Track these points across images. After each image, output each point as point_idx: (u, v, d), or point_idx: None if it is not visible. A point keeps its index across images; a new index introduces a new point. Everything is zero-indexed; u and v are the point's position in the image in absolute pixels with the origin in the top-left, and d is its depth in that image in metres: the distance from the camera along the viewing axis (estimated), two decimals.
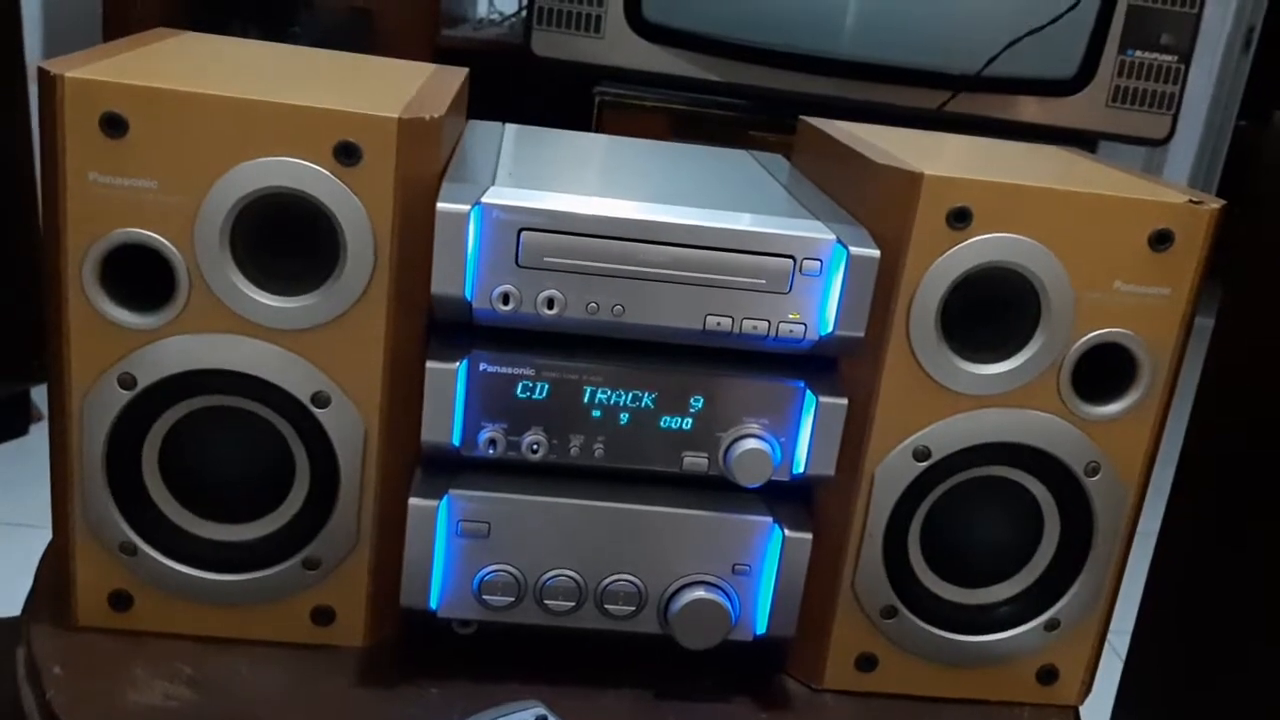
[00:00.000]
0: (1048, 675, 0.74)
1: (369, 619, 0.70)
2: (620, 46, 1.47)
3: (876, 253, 0.63)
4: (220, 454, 0.67)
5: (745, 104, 1.54)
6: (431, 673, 0.69)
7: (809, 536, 0.68)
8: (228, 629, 0.69)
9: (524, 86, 1.59)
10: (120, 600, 0.68)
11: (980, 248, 0.65)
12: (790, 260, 0.63)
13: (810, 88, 1.49)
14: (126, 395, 0.65)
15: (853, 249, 0.63)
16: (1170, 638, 1.06)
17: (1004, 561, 0.73)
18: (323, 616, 0.70)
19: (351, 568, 0.69)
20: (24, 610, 0.70)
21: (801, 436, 0.67)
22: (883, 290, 0.65)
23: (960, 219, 0.65)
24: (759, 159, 0.88)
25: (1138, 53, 1.51)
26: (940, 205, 0.64)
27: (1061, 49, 1.48)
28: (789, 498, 0.70)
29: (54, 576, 0.69)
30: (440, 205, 0.61)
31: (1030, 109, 1.54)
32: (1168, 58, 1.52)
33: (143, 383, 0.64)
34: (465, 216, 0.61)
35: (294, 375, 0.65)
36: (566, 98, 1.53)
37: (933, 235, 0.65)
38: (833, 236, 0.64)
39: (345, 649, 0.70)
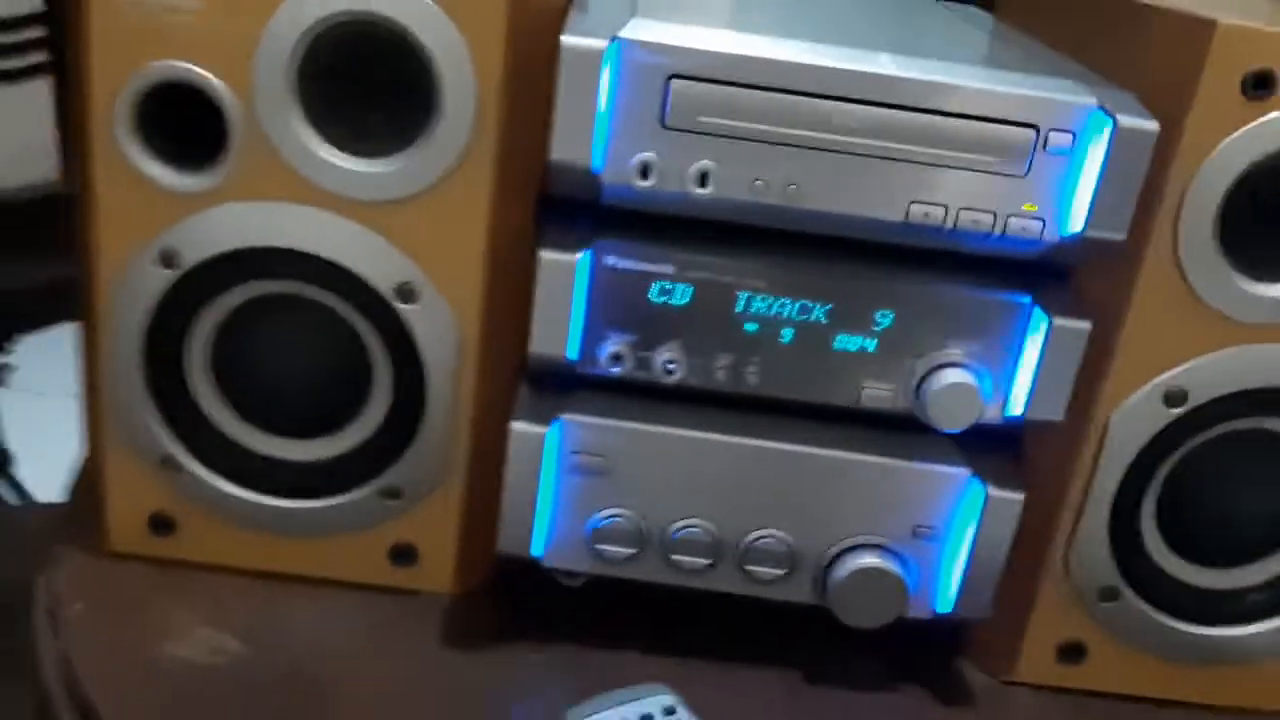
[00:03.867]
0: None
1: (459, 562, 0.60)
2: None
3: (1154, 125, 0.47)
4: (283, 354, 0.57)
5: None
6: (532, 632, 0.59)
7: (1020, 497, 0.53)
8: (289, 564, 0.59)
9: None
10: (161, 524, 0.58)
11: None
12: (1032, 131, 0.48)
13: None
14: (168, 276, 0.53)
15: (1122, 119, 0.47)
16: None
17: (1262, 538, 0.58)
18: (404, 555, 0.59)
19: (440, 501, 0.58)
20: (53, 527, 0.59)
21: (1021, 369, 0.52)
22: (1146, 179, 0.49)
23: (1261, 85, 0.49)
24: (952, 9, 0.71)
25: None
26: (1235, 67, 0.49)
27: None
28: (991, 444, 0.55)
29: (88, 494, 0.58)
30: (565, 40, 0.47)
31: None
32: None
33: (187, 261, 0.53)
34: (599, 56, 0.47)
35: (373, 260, 0.53)
36: None
37: (1221, 107, 0.50)
38: (1093, 101, 0.47)
39: (429, 595, 0.60)
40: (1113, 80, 0.52)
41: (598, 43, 0.47)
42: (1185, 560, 0.58)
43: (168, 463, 0.56)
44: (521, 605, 0.60)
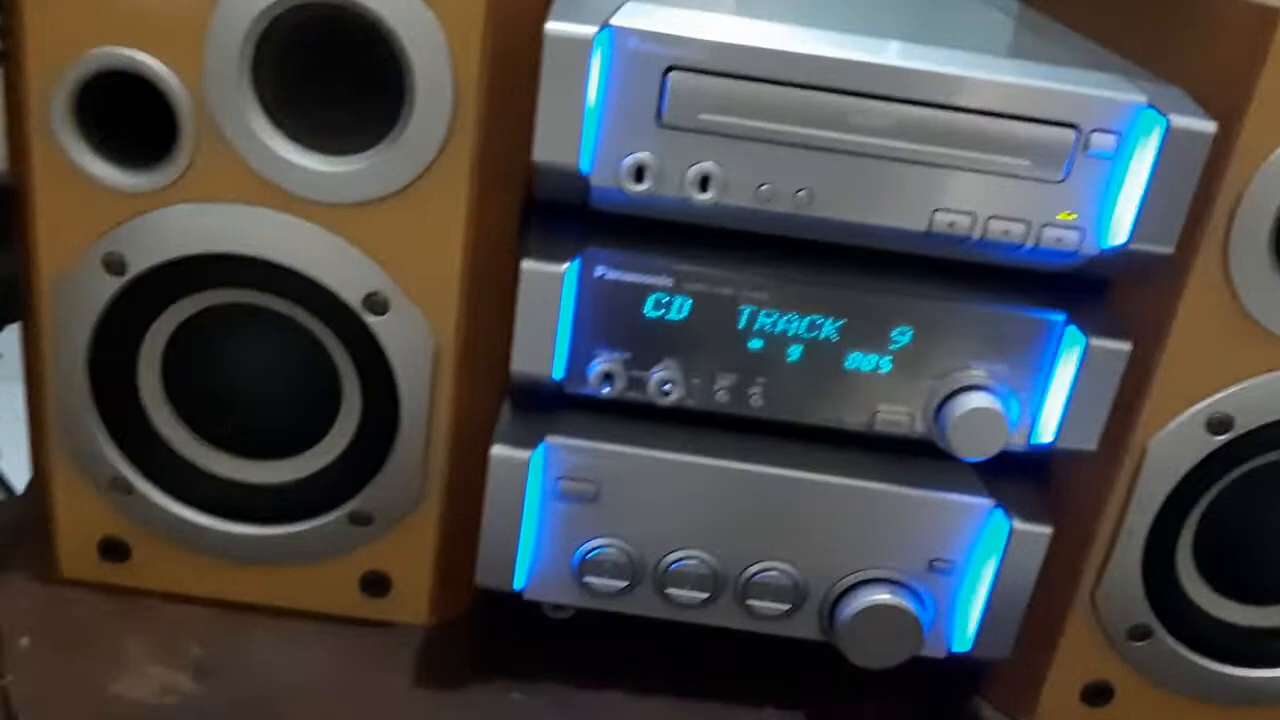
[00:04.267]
0: None
1: (434, 592, 0.56)
2: None
3: (1212, 125, 0.42)
4: (242, 369, 0.52)
5: None
6: (512, 668, 0.55)
7: (1048, 531, 0.49)
8: (251, 594, 0.55)
9: None
10: (113, 550, 0.54)
11: None
12: (1072, 131, 0.43)
13: None
14: (115, 283, 0.48)
15: (1175, 118, 0.42)
16: None
17: None
18: (375, 585, 0.55)
19: (414, 527, 0.54)
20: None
21: (1051, 392, 0.47)
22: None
23: None
24: None
25: None
26: None
27: None
28: (1014, 472, 0.51)
29: (37, 513, 0.54)
30: (550, 26, 0.42)
31: None
32: None
33: (135, 267, 0.48)
34: (588, 45, 0.42)
35: (340, 268, 0.48)
36: None
37: None
38: (1141, 98, 0.43)
39: (403, 628, 0.56)
40: (1155, 74, 0.48)
41: (587, 29, 0.42)
42: (1223, 597, 0.54)
43: (118, 484, 0.52)
44: (502, 638, 0.56)
